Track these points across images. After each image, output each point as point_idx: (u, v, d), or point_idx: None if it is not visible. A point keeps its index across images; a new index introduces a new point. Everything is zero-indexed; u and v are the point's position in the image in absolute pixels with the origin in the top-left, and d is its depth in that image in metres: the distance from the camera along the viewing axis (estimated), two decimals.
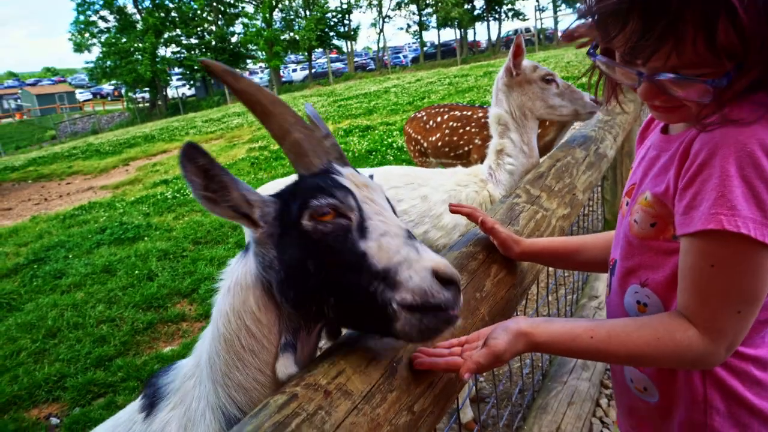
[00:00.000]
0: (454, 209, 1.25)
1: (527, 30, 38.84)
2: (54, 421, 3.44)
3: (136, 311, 4.76)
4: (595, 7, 0.82)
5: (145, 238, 6.89)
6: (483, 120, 4.27)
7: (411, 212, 2.29)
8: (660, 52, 0.78)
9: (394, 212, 0.96)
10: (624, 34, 0.80)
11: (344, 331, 1.00)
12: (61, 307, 5.01)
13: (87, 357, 4.07)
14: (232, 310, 0.94)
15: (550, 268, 3.27)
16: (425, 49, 50.04)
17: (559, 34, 46.30)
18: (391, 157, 9.30)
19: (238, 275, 0.96)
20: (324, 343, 1.02)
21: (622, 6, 0.78)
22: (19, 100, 64.37)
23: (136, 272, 5.61)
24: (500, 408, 2.53)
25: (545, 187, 1.66)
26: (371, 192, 0.93)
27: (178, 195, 9.07)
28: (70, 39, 43.68)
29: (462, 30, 46.17)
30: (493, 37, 47.91)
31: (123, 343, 4.25)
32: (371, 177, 1.02)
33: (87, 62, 44.02)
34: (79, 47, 43.79)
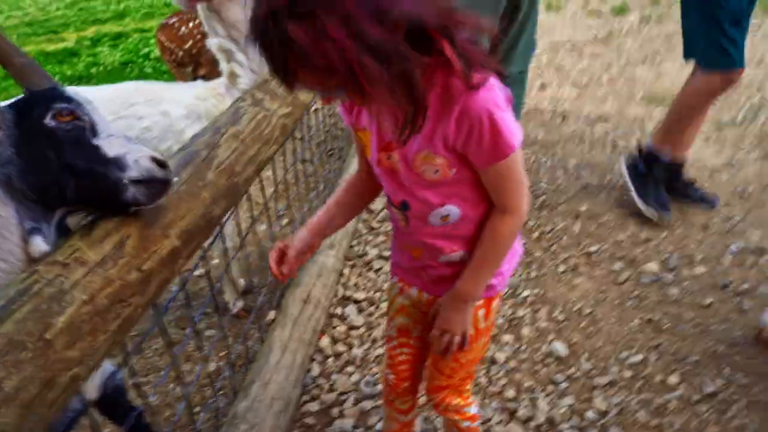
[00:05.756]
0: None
1: None
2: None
3: None
4: None
5: None
6: None
7: (154, 129, 2.26)
8: None
9: None
10: None
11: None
12: None
13: None
14: None
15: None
16: None
17: None
18: (150, 69, 8.58)
19: None
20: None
21: None
22: None
23: None
24: (264, 295, 2.91)
25: (269, 91, 1.91)
26: (94, 108, 1.14)
27: None
28: None
29: None
30: None
31: None
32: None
33: None
34: None
